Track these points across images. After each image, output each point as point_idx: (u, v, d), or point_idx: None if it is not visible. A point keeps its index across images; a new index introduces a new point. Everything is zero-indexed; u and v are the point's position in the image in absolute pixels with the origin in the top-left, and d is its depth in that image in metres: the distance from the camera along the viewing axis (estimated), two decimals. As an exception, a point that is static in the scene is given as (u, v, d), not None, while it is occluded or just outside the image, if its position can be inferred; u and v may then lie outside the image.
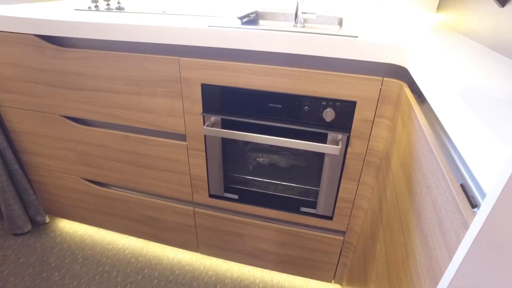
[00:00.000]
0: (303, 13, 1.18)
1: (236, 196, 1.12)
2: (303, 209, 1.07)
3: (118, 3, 1.34)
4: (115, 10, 1.21)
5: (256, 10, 1.27)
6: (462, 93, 0.48)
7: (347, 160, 0.94)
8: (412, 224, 0.57)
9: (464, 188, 0.43)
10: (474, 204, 0.39)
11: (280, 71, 0.86)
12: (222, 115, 0.97)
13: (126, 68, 0.97)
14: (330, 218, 1.06)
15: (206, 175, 1.10)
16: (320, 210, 1.05)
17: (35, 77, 1.09)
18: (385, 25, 1.04)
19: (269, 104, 0.91)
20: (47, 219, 1.51)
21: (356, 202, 1.01)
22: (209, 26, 0.87)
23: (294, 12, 1.20)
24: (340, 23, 1.21)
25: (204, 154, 1.06)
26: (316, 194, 1.04)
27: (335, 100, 0.86)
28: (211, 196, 1.14)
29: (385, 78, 0.81)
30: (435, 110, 0.54)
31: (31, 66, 1.07)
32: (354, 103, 0.85)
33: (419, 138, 0.60)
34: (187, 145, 1.06)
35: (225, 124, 0.98)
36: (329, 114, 0.87)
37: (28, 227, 1.44)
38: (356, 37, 0.79)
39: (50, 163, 1.29)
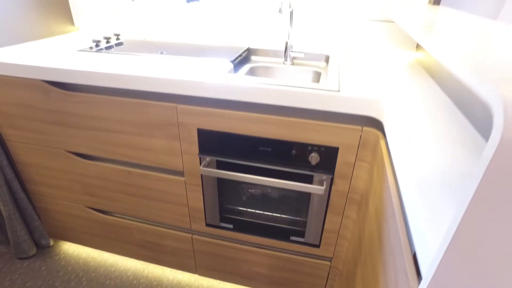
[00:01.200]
0: (292, 51, 1.26)
1: (231, 226, 1.20)
2: (293, 237, 1.16)
3: (118, 38, 1.42)
4: (115, 47, 1.29)
5: (249, 47, 1.35)
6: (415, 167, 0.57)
7: (331, 197, 1.02)
8: (379, 271, 0.66)
9: (415, 258, 0.51)
10: (420, 275, 0.48)
11: (269, 119, 0.94)
12: (217, 156, 1.05)
13: (128, 112, 1.05)
14: (318, 246, 1.15)
15: (203, 207, 1.18)
16: (308, 239, 1.14)
17: (42, 116, 1.16)
18: (368, 68, 1.13)
19: (260, 148, 0.99)
20: (52, 242, 1.58)
21: (341, 233, 1.10)
22: (203, 77, 0.95)
23: (284, 50, 1.28)
24: (327, 60, 1.29)
25: (201, 188, 1.14)
26: (304, 224, 1.13)
27: (319, 146, 0.94)
28: (207, 225, 1.23)
29: (364, 128, 0.90)
30: (397, 176, 0.63)
31: (38, 106, 1.14)
32: (337, 148, 0.94)
33: (387, 197, 0.68)
34: (185, 180, 1.14)
35: (220, 165, 1.06)
36: (314, 158, 0.95)
37: (34, 250, 1.52)
38: (338, 91, 0.88)
39: (55, 192, 1.36)
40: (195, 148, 1.05)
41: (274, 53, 1.34)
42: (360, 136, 0.91)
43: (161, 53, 1.22)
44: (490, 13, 1.25)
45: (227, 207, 1.18)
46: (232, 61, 1.13)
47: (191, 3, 1.48)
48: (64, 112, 1.13)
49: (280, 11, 1.06)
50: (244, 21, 1.39)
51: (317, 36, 1.35)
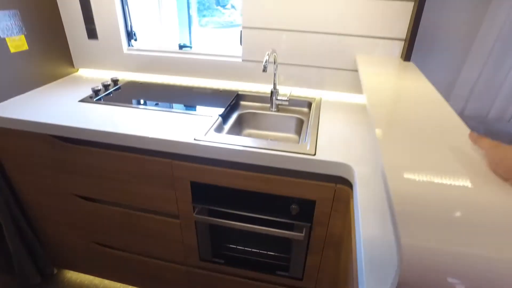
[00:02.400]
0: (277, 99, 1.38)
1: (222, 261, 1.32)
2: (278, 272, 1.28)
3: (116, 83, 1.52)
4: (113, 94, 1.39)
5: (237, 93, 1.46)
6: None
7: (311, 241, 1.15)
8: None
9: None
10: None
11: (253, 176, 1.06)
12: (209, 205, 1.17)
13: (126, 164, 1.16)
14: (301, 279, 1.28)
15: (197, 244, 1.30)
16: (292, 273, 1.27)
17: (48, 164, 1.27)
18: (343, 118, 1.25)
19: (247, 199, 1.11)
20: (55, 271, 1.69)
21: (321, 267, 1.23)
22: (194, 139, 1.06)
23: (270, 97, 1.39)
24: (309, 106, 1.41)
25: (194, 229, 1.26)
26: (288, 260, 1.25)
27: (299, 199, 1.07)
28: (201, 260, 1.35)
29: (337, 185, 1.02)
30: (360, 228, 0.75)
31: (44, 155, 1.25)
32: (314, 201, 1.06)
33: (353, 246, 0.81)
34: (180, 222, 1.25)
35: (212, 212, 1.18)
36: (294, 209, 1.08)
37: (38, 279, 1.62)
38: (314, 155, 1.00)
39: (60, 228, 1.47)
40: (189, 197, 1.17)
41: (261, 99, 1.45)
42: (334, 191, 1.03)
43: (156, 104, 1.32)
44: (457, 63, 1.38)
45: (219, 244, 1.30)
46: (221, 114, 1.24)
47: (183, 49, 1.59)
48: (69, 161, 1.23)
49: (264, 69, 1.18)
50: (232, 68, 1.50)
51: (300, 81, 1.46)
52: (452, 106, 1.45)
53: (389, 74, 1.14)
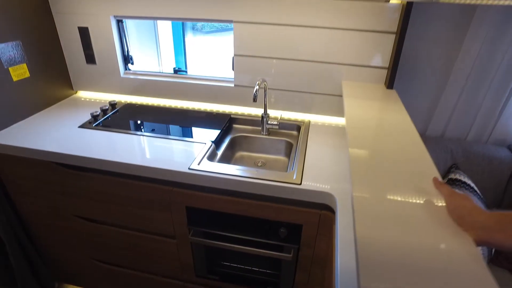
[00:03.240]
0: (267, 124, 1.46)
1: (217, 277, 1.40)
2: (268, 287, 1.36)
3: (114, 107, 1.59)
4: (111, 118, 1.46)
5: (230, 116, 1.54)
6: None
7: (299, 260, 1.23)
8: None
9: None
10: None
11: (245, 202, 1.14)
12: (204, 228, 1.24)
13: (126, 190, 1.24)
14: (290, 294, 1.36)
15: (192, 262, 1.38)
16: (282, 289, 1.35)
17: (50, 188, 1.34)
18: (329, 144, 1.33)
19: (239, 223, 1.19)
20: (56, 285, 1.76)
21: (309, 284, 1.31)
22: (188, 168, 1.14)
23: (261, 120, 1.47)
24: (298, 129, 1.49)
25: (190, 248, 1.33)
26: (279, 277, 1.33)
27: (287, 223, 1.15)
28: (197, 276, 1.42)
29: (322, 211, 1.10)
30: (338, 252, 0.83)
31: (46, 179, 1.32)
32: (301, 225, 1.14)
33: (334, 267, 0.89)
34: (176, 242, 1.33)
35: (206, 234, 1.26)
36: (283, 233, 1.16)
37: (41, 293, 1.70)
38: (300, 184, 1.08)
39: (61, 246, 1.54)
40: (185, 220, 1.25)
41: (252, 122, 1.53)
42: (319, 216, 1.11)
43: (153, 130, 1.40)
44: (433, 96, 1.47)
45: (214, 262, 1.38)
46: (214, 140, 1.32)
47: (179, 73, 1.66)
48: (70, 185, 1.30)
49: (254, 99, 1.25)
50: (225, 92, 1.58)
51: (290, 105, 1.54)
52: (434, 128, 1.54)
53: (369, 106, 1.21)
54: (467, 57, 1.34)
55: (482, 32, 1.29)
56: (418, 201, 0.69)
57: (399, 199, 0.70)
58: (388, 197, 0.71)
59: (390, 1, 1.26)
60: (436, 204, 0.68)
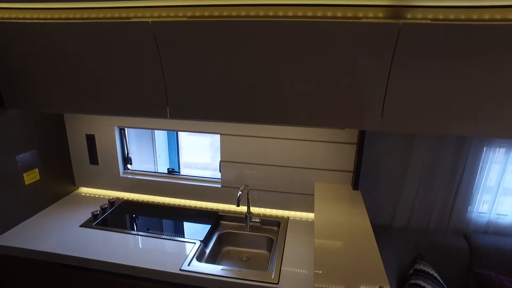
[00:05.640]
0: (251, 221, 1.63)
1: None
2: None
3: (113, 204, 1.76)
4: (110, 217, 1.62)
5: (218, 213, 1.72)
6: None
7: None
8: None
9: None
10: None
11: (229, 301, 1.25)
12: None
13: (119, 290, 1.34)
14: None
15: None
16: None
17: (49, 286, 1.43)
18: (303, 239, 1.50)
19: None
20: None
21: None
22: (179, 270, 1.28)
23: (245, 218, 1.65)
24: (278, 225, 1.66)
25: None
26: None
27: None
28: None
29: (298, 309, 1.22)
30: None
31: (46, 278, 1.42)
32: (281, 323, 1.24)
33: None
34: None
35: None
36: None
37: None
38: (277, 283, 1.22)
39: None
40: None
41: (238, 219, 1.71)
42: (297, 314, 1.22)
43: (148, 229, 1.55)
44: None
45: None
46: (203, 240, 1.47)
47: (172, 174, 1.88)
48: (68, 282, 1.40)
49: (238, 204, 1.45)
50: (213, 192, 1.78)
51: (271, 203, 1.74)
52: (399, 221, 1.73)
53: (334, 211, 1.41)
54: (417, 162, 1.60)
55: (424, 143, 1.58)
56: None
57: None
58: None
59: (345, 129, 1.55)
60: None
